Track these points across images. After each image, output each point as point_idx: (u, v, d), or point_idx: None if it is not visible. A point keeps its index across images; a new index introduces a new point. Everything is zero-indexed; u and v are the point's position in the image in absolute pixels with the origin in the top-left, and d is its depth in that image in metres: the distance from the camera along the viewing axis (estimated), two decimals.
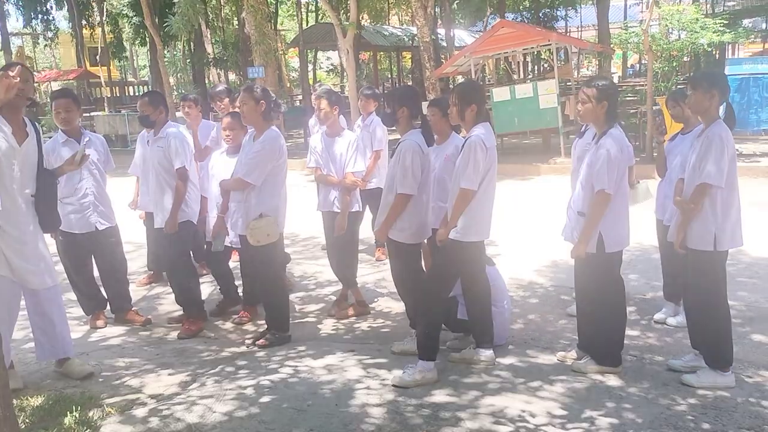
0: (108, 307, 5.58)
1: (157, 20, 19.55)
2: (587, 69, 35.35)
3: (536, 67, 31.73)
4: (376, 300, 5.88)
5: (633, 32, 13.79)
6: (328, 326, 5.37)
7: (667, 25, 13.49)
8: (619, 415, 3.59)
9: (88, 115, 22.59)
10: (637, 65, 32.13)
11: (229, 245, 5.30)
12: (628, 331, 4.55)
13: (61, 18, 38.51)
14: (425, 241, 4.67)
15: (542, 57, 29.64)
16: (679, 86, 12.79)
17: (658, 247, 5.20)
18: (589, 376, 4.07)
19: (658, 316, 5.05)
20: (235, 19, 28.69)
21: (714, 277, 3.92)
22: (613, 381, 4.02)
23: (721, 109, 4.04)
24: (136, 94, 38.95)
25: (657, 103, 12.06)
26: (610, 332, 4.12)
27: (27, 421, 3.63)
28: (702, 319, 3.98)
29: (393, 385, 3.97)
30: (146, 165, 5.62)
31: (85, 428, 3.50)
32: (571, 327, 4.80)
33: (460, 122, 4.22)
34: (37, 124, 4.29)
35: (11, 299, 4.09)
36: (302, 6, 27.26)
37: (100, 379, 4.34)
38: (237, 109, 5.20)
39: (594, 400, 3.78)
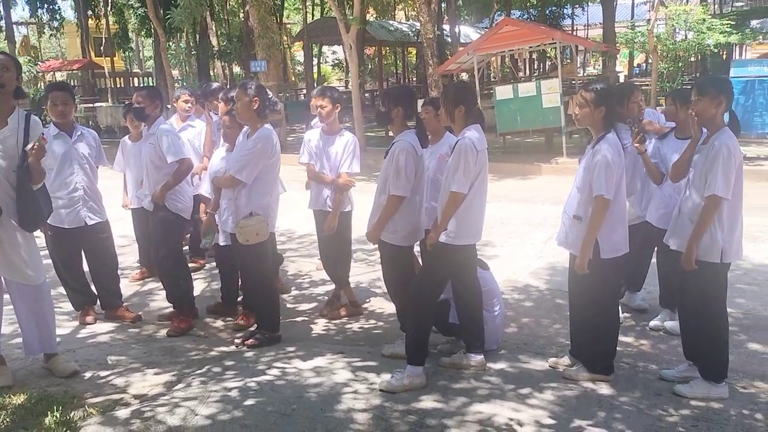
0: (98, 302, 5.53)
1: (161, 12, 19.53)
2: (593, 68, 35.16)
3: (542, 65, 31.58)
4: (368, 300, 5.82)
5: (639, 32, 13.70)
6: (319, 326, 5.32)
7: (673, 25, 13.40)
8: (608, 425, 3.52)
9: (90, 106, 22.60)
10: (644, 64, 31.96)
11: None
12: (622, 338, 4.50)
13: (67, 8, 38.50)
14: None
15: (548, 55, 29.51)
16: (684, 86, 12.70)
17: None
18: (581, 384, 4.00)
19: (653, 323, 4.97)
20: (241, 11, 28.59)
21: (716, 288, 3.83)
22: (604, 389, 3.94)
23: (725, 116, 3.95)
24: (141, 85, 38.95)
25: (661, 104, 11.96)
26: (602, 339, 4.05)
27: (7, 420, 3.58)
28: (699, 330, 3.89)
29: (381, 390, 3.91)
30: (137, 161, 5.59)
31: (65, 429, 3.45)
32: (565, 332, 4.72)
33: (451, 124, 4.15)
34: (32, 117, 4.13)
35: None
36: None
37: (86, 377, 4.29)
38: None
39: (584, 408, 3.71)
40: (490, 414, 3.62)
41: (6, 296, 4.22)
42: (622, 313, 4.80)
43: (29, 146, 3.98)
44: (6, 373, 4.18)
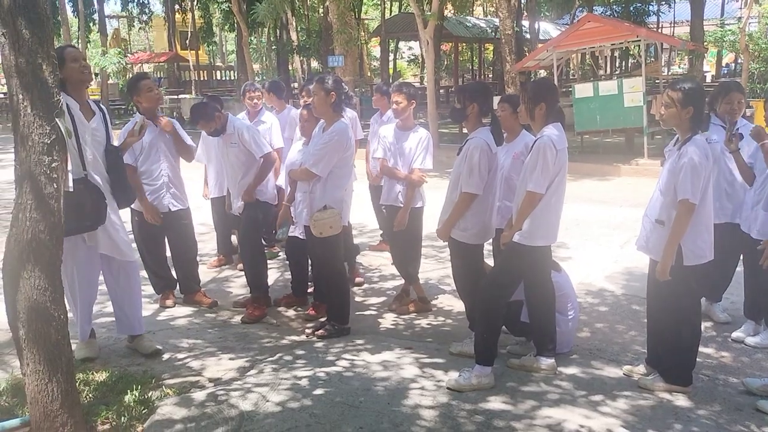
0: (177, 287, 5.73)
1: (244, 7, 20.02)
2: (679, 67, 33.84)
3: (624, 63, 30.61)
4: (437, 297, 5.81)
5: (729, 30, 13.08)
6: (388, 321, 5.34)
7: (767, 24, 12.72)
8: None
9: (175, 97, 23.42)
10: (733, 64, 30.51)
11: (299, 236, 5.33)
12: (702, 349, 4.31)
13: (155, 2, 40.01)
14: None
15: (630, 53, 28.59)
16: None
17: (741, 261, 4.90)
18: (656, 394, 3.87)
19: (736, 334, 4.74)
20: (321, 7, 28.97)
21: None
22: (681, 401, 3.80)
23: None
24: (223, 78, 40.10)
25: (751, 106, 11.38)
26: (682, 349, 3.90)
27: (90, 396, 3.76)
28: None
29: (448, 388, 3.89)
30: (217, 153, 5.77)
31: (143, 408, 3.60)
32: (641, 339, 4.58)
33: (530, 122, 4.07)
34: (102, 105, 4.52)
35: (90, 269, 4.32)
36: None
37: (164, 358, 4.47)
38: None
39: (659, 420, 3.58)
40: (559, 419, 3.55)
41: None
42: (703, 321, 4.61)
43: (137, 126, 4.70)
44: (93, 346, 4.45)
